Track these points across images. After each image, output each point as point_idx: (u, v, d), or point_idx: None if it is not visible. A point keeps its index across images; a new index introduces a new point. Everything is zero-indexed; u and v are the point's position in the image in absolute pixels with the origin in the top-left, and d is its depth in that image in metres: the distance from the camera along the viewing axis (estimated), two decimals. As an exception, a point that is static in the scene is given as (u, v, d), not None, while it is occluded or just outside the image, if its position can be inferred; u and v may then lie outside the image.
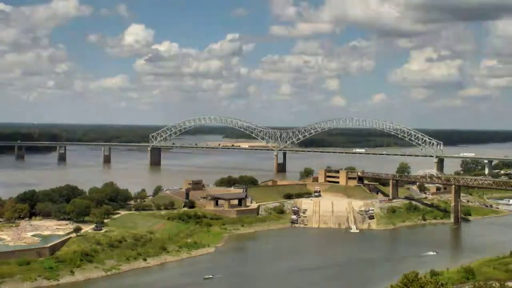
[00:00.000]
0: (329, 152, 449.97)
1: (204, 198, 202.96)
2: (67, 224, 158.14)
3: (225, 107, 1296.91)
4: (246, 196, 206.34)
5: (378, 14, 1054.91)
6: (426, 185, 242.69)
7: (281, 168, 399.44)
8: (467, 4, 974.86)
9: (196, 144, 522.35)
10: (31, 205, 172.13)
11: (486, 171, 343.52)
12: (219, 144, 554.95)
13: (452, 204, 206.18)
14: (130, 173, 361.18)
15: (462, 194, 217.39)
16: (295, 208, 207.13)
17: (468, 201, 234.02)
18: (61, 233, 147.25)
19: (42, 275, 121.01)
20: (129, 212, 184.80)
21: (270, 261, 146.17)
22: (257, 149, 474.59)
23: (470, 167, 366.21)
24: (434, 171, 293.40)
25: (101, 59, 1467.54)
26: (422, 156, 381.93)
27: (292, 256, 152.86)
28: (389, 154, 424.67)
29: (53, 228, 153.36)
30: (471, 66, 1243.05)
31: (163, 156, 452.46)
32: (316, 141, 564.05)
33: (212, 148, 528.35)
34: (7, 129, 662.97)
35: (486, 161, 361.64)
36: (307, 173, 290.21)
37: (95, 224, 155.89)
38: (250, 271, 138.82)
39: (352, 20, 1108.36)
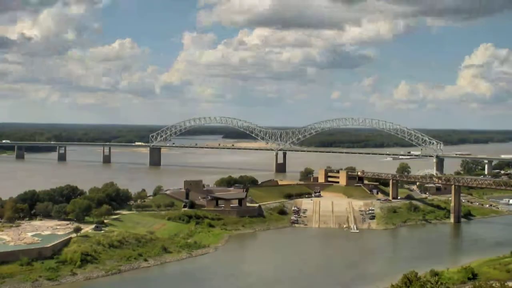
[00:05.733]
0: (329, 152, 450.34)
1: (204, 198, 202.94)
2: (67, 224, 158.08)
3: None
4: (246, 196, 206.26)
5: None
6: (426, 185, 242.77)
7: (281, 168, 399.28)
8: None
9: (196, 144, 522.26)
10: (31, 205, 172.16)
11: (486, 171, 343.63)
12: (219, 144, 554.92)
13: (452, 204, 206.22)
14: (130, 173, 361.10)
15: (462, 194, 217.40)
16: (295, 208, 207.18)
17: (468, 201, 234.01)
18: (61, 233, 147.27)
19: (42, 275, 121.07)
20: (130, 212, 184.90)
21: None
22: (257, 149, 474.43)
23: (470, 167, 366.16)
24: (434, 171, 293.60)
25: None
26: (422, 156, 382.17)
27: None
28: (389, 154, 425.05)
29: (53, 228, 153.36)
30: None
31: (163, 156, 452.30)
32: (316, 141, 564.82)
33: (212, 148, 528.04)
34: (8, 129, 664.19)
35: (486, 161, 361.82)
36: (307, 173, 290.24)
37: (95, 224, 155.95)
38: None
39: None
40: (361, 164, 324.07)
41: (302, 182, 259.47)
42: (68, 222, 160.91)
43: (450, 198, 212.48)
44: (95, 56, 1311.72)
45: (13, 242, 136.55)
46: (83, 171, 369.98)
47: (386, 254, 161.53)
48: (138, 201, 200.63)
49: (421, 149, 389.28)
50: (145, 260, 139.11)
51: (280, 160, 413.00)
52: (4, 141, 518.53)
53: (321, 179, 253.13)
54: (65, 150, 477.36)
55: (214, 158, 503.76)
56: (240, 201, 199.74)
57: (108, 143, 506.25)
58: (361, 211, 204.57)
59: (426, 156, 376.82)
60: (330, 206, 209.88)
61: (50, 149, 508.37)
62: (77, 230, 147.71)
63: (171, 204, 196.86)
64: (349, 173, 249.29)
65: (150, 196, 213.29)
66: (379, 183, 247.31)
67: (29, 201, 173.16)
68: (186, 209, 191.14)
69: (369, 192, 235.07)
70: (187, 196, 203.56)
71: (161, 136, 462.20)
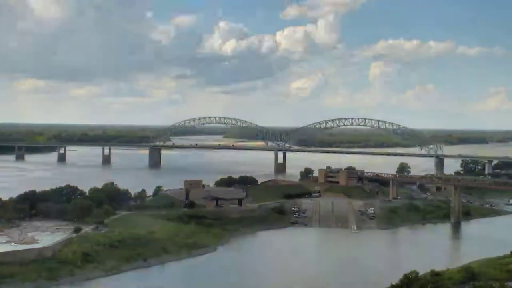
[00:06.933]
0: (329, 152, 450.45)
1: (204, 198, 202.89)
2: (67, 225, 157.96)
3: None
4: (246, 196, 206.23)
5: None
6: (426, 185, 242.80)
7: (281, 168, 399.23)
8: None
9: (196, 144, 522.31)
10: (31, 205, 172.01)
11: (486, 171, 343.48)
12: (219, 144, 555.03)
13: (452, 204, 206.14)
14: (130, 173, 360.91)
15: (462, 194, 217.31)
16: (295, 208, 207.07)
17: (468, 201, 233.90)
18: (61, 233, 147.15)
19: (42, 275, 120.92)
20: (129, 212, 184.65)
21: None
22: (257, 149, 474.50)
23: (470, 167, 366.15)
24: (434, 171, 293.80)
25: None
26: (422, 156, 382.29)
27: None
28: (389, 154, 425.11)
29: (53, 229, 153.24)
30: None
31: (163, 156, 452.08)
32: (316, 141, 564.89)
33: (212, 148, 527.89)
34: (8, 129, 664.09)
35: (486, 161, 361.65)
36: (307, 173, 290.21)
37: (95, 225, 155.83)
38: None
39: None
40: (361, 164, 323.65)
41: (302, 182, 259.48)
42: (68, 223, 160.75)
43: (450, 198, 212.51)
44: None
45: (13, 242, 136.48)
46: (83, 171, 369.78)
47: (386, 254, 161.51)
48: (138, 201, 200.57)
49: (421, 149, 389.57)
50: (145, 260, 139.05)
51: (280, 160, 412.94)
52: None
53: (321, 179, 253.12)
54: (65, 150, 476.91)
55: (214, 158, 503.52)
56: (240, 201, 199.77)
57: (108, 143, 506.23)
58: (361, 211, 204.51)
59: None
60: (330, 206, 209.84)
61: (50, 149, 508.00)
62: (77, 230, 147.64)
63: (171, 204, 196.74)
64: (349, 173, 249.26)
65: (150, 196, 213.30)
66: (379, 183, 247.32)
67: (29, 201, 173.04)
68: (186, 209, 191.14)
69: (369, 192, 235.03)
70: (187, 196, 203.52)
71: (161, 136, 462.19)
